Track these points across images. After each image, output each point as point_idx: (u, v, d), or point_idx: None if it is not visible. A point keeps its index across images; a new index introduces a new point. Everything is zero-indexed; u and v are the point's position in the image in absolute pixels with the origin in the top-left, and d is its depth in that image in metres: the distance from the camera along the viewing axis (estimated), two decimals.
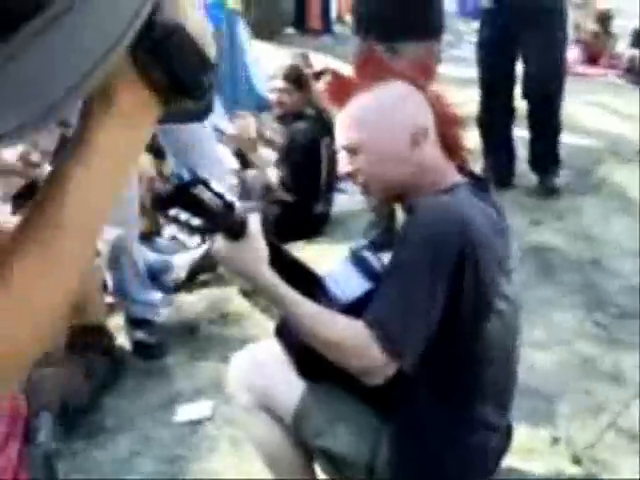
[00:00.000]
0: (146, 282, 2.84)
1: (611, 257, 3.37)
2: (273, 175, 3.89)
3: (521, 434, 2.19)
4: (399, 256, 1.43)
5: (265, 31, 7.49)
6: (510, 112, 3.94)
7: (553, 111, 3.83)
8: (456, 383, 1.52)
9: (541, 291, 3.09)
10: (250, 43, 6.09)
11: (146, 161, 3.61)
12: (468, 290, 1.40)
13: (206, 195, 1.26)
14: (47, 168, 3.30)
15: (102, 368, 2.54)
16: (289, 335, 1.55)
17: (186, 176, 1.25)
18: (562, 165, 4.08)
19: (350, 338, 1.38)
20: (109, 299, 2.87)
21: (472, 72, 6.37)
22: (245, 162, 4.27)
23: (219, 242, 1.38)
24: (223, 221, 1.31)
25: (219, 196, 1.28)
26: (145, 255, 3.01)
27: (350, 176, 1.58)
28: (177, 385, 2.60)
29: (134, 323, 2.82)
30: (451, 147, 1.58)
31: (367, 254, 1.63)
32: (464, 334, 1.45)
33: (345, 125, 1.56)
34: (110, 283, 2.81)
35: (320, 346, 1.41)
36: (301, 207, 3.76)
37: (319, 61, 5.63)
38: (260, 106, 5.53)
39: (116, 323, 2.88)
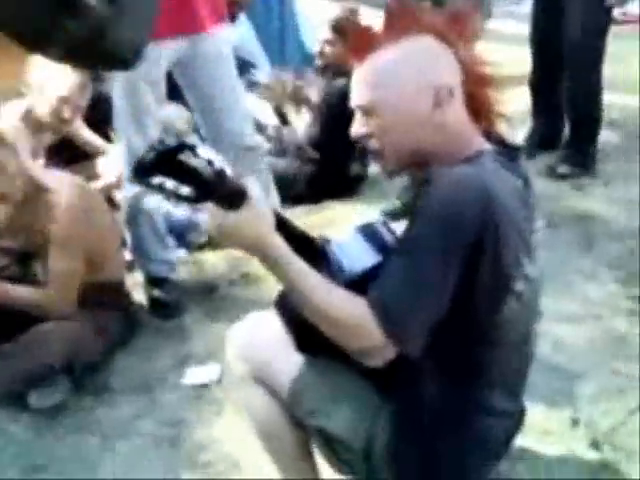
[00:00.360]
0: (165, 240, 2.79)
1: None
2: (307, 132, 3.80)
3: (539, 413, 2.10)
4: (411, 232, 1.30)
5: None
6: (559, 71, 3.68)
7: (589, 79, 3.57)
8: (464, 366, 1.41)
9: (578, 262, 2.93)
10: None
11: (178, 117, 3.54)
12: (486, 270, 1.28)
13: (194, 161, 1.17)
14: (79, 123, 3.27)
15: (115, 326, 2.52)
16: (288, 307, 1.46)
17: (171, 140, 1.16)
18: (614, 127, 3.84)
19: (351, 316, 1.28)
20: (128, 256, 2.84)
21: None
22: (284, 119, 4.18)
23: (214, 213, 1.27)
24: (215, 189, 1.21)
25: (208, 162, 1.19)
26: (170, 212, 2.96)
27: (363, 140, 1.44)
28: (189, 346, 2.56)
29: (152, 281, 2.79)
30: (479, 110, 1.43)
31: (379, 225, 1.54)
32: (478, 315, 1.34)
33: (361, 82, 1.42)
34: (129, 240, 2.78)
35: (319, 322, 1.32)
36: (335, 166, 3.65)
37: (374, 16, 5.44)
38: (308, 63, 5.41)
39: (135, 280, 2.85)
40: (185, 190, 1.17)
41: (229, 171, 1.22)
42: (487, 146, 1.40)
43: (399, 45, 1.39)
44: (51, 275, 2.31)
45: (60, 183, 2.34)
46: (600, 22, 3.40)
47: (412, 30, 1.40)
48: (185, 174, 1.16)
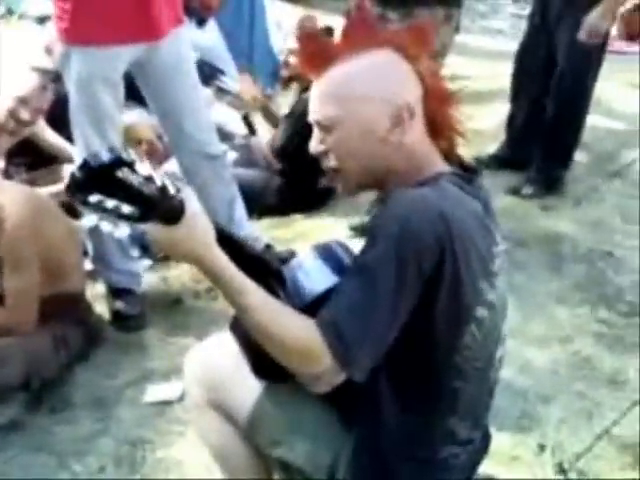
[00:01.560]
0: (128, 250, 2.70)
1: (626, 250, 3.18)
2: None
3: (505, 439, 2.09)
4: (365, 254, 1.25)
5: None
6: (542, 95, 3.65)
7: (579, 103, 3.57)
8: (427, 393, 1.36)
9: (546, 283, 2.93)
10: (271, 5, 5.90)
11: (145, 124, 3.48)
12: (445, 296, 1.23)
13: (134, 178, 1.10)
14: (40, 125, 3.19)
15: (75, 339, 2.43)
16: (245, 331, 1.36)
17: (105, 155, 1.09)
18: (583, 147, 3.87)
19: (300, 339, 1.22)
20: (89, 265, 2.76)
21: (507, 44, 6.18)
22: (252, 128, 4.13)
23: (152, 227, 1.20)
24: (159, 206, 1.15)
25: (148, 179, 1.12)
26: (125, 229, 2.87)
27: (320, 157, 1.39)
28: (151, 362, 2.49)
29: (114, 293, 2.71)
30: (439, 129, 1.38)
31: (335, 245, 1.49)
32: (438, 342, 1.29)
33: (320, 98, 1.36)
34: (90, 250, 2.70)
35: (268, 344, 1.26)
36: (303, 179, 3.61)
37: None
38: (276, 71, 5.38)
39: (96, 291, 2.77)
40: (127, 209, 1.11)
41: (171, 187, 1.16)
42: (446, 168, 1.36)
43: (358, 59, 1.34)
44: (7, 295, 2.23)
45: (8, 195, 2.25)
46: (591, 54, 3.38)
47: (372, 43, 1.36)
48: (125, 191, 1.10)
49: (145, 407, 2.28)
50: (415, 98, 1.34)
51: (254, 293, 1.25)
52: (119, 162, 1.09)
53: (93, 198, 1.09)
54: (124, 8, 2.38)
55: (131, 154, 1.11)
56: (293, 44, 3.65)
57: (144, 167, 1.11)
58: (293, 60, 3.64)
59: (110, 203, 1.10)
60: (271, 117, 4.05)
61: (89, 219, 1.13)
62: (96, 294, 2.75)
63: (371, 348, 1.22)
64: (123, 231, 1.16)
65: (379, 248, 1.22)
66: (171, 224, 1.20)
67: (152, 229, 1.20)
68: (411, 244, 1.19)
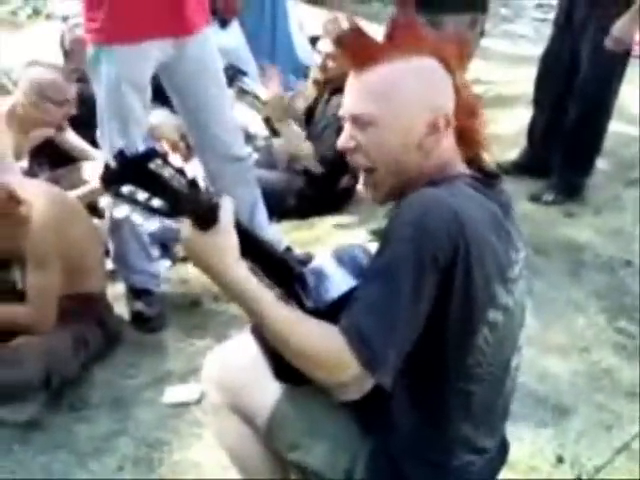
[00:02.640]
0: (148, 251, 2.73)
1: None
2: (302, 146, 3.74)
3: (524, 449, 2.08)
4: (381, 256, 1.25)
5: None
6: (565, 98, 3.62)
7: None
8: (437, 396, 1.36)
9: (565, 291, 2.91)
10: (293, 7, 5.90)
11: (169, 125, 3.49)
12: (457, 296, 1.23)
13: (166, 171, 1.11)
14: (64, 126, 3.21)
15: (95, 339, 2.44)
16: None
17: (141, 148, 1.10)
18: (605, 155, 3.83)
19: (325, 349, 1.21)
20: (110, 265, 2.77)
21: (530, 49, 6.14)
22: (274, 129, 4.13)
23: (187, 229, 1.22)
24: (189, 203, 1.15)
25: (180, 172, 1.13)
26: (155, 222, 2.90)
27: (349, 153, 1.39)
28: (170, 363, 2.50)
29: (134, 293, 2.73)
30: (466, 139, 1.39)
31: (356, 249, 1.49)
32: (448, 342, 1.28)
33: (360, 91, 1.35)
34: (111, 250, 2.72)
35: (292, 356, 1.25)
36: (326, 182, 3.61)
37: (366, 28, 5.41)
38: (299, 72, 5.38)
39: (117, 291, 2.79)
40: (157, 202, 1.12)
41: (201, 184, 1.17)
42: (465, 170, 1.37)
43: (406, 61, 1.34)
44: (29, 293, 2.25)
45: (34, 194, 2.27)
46: (615, 59, 3.35)
47: (419, 49, 1.36)
48: (156, 184, 1.10)
49: (163, 408, 2.29)
50: (450, 108, 1.35)
51: (276, 306, 1.25)
52: (153, 154, 1.09)
53: (125, 189, 1.09)
54: (155, 5, 2.39)
55: (165, 147, 1.12)
56: (328, 48, 3.62)
57: (177, 160, 1.12)
58: (330, 64, 3.61)
59: (141, 195, 1.10)
60: (297, 116, 4.03)
61: (121, 210, 1.13)
62: (116, 294, 2.76)
63: (396, 350, 1.21)
64: (153, 224, 1.17)
65: (395, 249, 1.22)
66: (204, 228, 1.21)
67: (185, 229, 1.21)
68: (426, 243, 1.19)
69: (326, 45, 3.70)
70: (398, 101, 1.32)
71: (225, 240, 1.23)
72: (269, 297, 1.25)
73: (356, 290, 1.27)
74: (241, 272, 1.24)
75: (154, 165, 1.09)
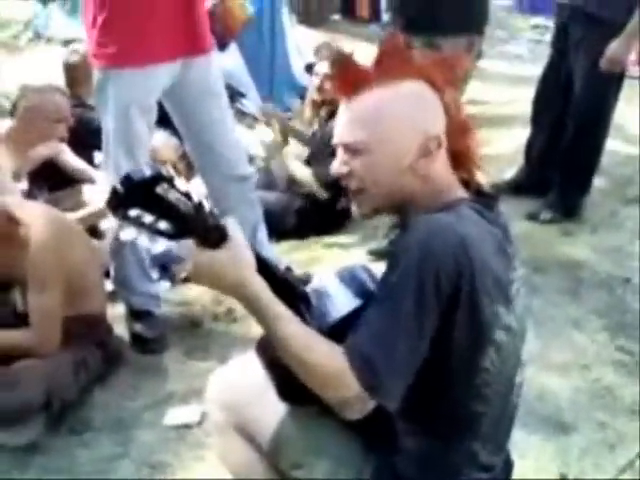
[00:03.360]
0: (149, 273, 2.74)
1: None
2: (299, 168, 3.77)
3: (527, 468, 2.06)
4: (388, 280, 1.27)
5: (312, 17, 7.34)
6: (562, 118, 3.64)
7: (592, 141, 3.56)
8: (448, 418, 1.37)
9: (564, 309, 2.91)
10: (292, 29, 5.96)
11: (168, 146, 3.51)
12: (463, 320, 1.25)
13: (172, 195, 1.12)
14: (62, 148, 3.23)
15: (95, 361, 2.44)
16: (270, 352, 1.40)
17: (146, 170, 1.11)
18: (602, 173, 3.86)
19: (330, 367, 1.23)
20: (110, 286, 2.77)
21: (526, 70, 6.19)
22: (271, 151, 4.15)
23: (193, 250, 1.23)
24: (194, 224, 1.17)
25: (186, 195, 1.14)
26: (147, 248, 2.90)
27: (343, 178, 1.41)
28: (170, 385, 2.49)
29: (134, 315, 2.73)
30: (460, 159, 1.41)
31: (359, 269, 1.50)
32: (456, 366, 1.30)
33: (349, 120, 1.38)
34: (112, 272, 2.72)
35: (298, 370, 1.27)
36: (325, 202, 3.63)
37: (366, 50, 5.46)
38: (296, 93, 5.42)
39: (117, 312, 2.78)
40: (163, 225, 1.14)
41: (207, 206, 1.19)
42: (465, 194, 1.38)
43: (392, 87, 1.36)
44: (32, 316, 2.25)
45: (33, 216, 2.28)
46: (611, 78, 3.37)
47: (405, 73, 1.38)
48: (162, 207, 1.12)
49: (165, 430, 2.28)
50: (441, 130, 1.37)
51: (290, 321, 1.26)
52: (159, 177, 1.11)
53: (132, 212, 1.11)
54: (165, 27, 2.42)
55: (170, 171, 1.13)
56: (325, 69, 3.66)
57: (183, 184, 1.13)
58: (327, 85, 3.65)
59: (148, 218, 1.12)
60: (299, 135, 4.05)
61: (128, 233, 1.15)
62: (116, 315, 2.75)
63: (398, 374, 1.23)
64: (160, 247, 1.18)
65: (399, 275, 1.24)
66: (211, 247, 1.22)
67: (191, 250, 1.22)
68: (430, 268, 1.21)
69: (323, 66, 3.74)
70: (386, 126, 1.34)
71: (240, 254, 1.25)
72: (285, 311, 1.27)
73: (363, 313, 1.29)
74: (260, 285, 1.26)
75: (161, 189, 1.11)
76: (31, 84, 3.05)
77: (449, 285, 1.22)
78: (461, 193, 1.38)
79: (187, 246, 1.22)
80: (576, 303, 2.96)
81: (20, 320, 2.30)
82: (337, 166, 1.40)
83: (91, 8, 2.42)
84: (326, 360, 1.23)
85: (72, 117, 3.07)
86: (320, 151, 3.64)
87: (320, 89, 3.76)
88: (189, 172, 3.50)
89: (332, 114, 3.54)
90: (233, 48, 4.96)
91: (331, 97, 3.61)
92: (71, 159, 3.27)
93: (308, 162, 3.77)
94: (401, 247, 1.27)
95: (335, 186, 3.43)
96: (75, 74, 3.58)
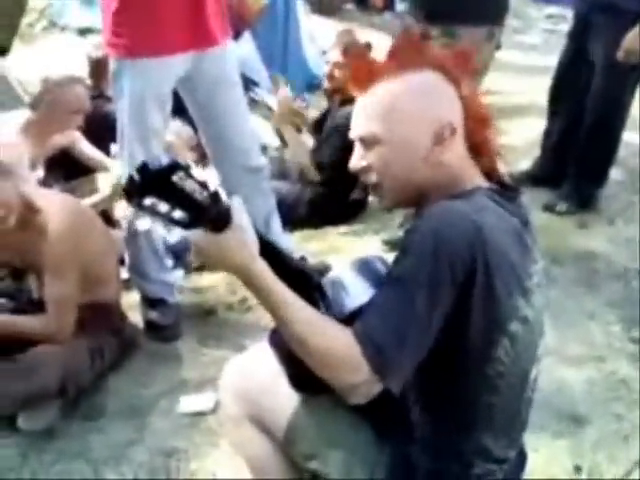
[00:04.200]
0: (163, 261, 2.74)
1: None
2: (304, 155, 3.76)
3: (541, 458, 2.06)
4: (399, 265, 1.27)
5: (325, 7, 7.31)
6: (579, 109, 3.60)
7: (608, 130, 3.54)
8: (458, 408, 1.37)
9: (580, 301, 2.90)
10: (306, 18, 5.94)
11: (183, 136, 3.51)
12: (478, 308, 1.25)
13: (188, 184, 1.12)
14: (77, 137, 3.24)
15: (109, 349, 2.45)
16: (282, 342, 1.38)
17: (163, 159, 1.11)
18: (619, 165, 3.83)
19: (338, 350, 1.23)
20: (125, 274, 2.78)
21: (541, 60, 6.15)
22: (284, 140, 4.14)
23: (199, 234, 1.23)
24: (209, 213, 1.17)
25: (202, 185, 1.14)
26: (169, 232, 2.91)
27: (362, 173, 1.41)
28: (184, 372, 2.50)
29: (148, 303, 2.73)
30: (479, 149, 1.41)
31: (374, 259, 1.50)
32: (468, 354, 1.30)
33: (365, 114, 1.39)
34: (127, 260, 2.73)
35: (306, 354, 1.27)
36: (338, 192, 3.62)
37: (379, 40, 5.45)
38: (311, 82, 5.41)
39: (131, 300, 2.79)
40: (178, 214, 1.13)
41: (223, 194, 1.18)
42: (483, 183, 1.37)
43: (404, 78, 1.36)
44: (48, 303, 2.26)
45: (51, 204, 2.28)
46: (628, 70, 3.35)
47: (417, 64, 1.38)
48: (178, 196, 1.12)
49: (179, 417, 2.29)
50: (456, 118, 1.37)
51: (295, 305, 1.26)
52: (176, 167, 1.11)
53: (148, 201, 1.11)
54: (177, 18, 2.42)
55: (187, 160, 1.13)
56: (336, 57, 3.64)
57: (199, 173, 1.13)
58: (337, 73, 3.63)
59: (163, 207, 1.12)
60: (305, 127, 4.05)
61: (143, 222, 1.15)
62: (130, 303, 2.77)
63: (407, 358, 1.23)
64: (176, 235, 1.19)
65: (412, 260, 1.24)
66: (218, 232, 1.22)
67: (199, 236, 1.22)
68: (444, 255, 1.21)
69: (333, 54, 3.72)
70: (399, 118, 1.35)
71: (244, 236, 1.25)
72: (289, 294, 1.27)
73: (372, 297, 1.29)
74: (259, 267, 1.26)
75: (177, 178, 1.11)
76: (53, 76, 3.04)
77: (463, 273, 1.21)
78: (479, 182, 1.38)
79: (193, 232, 1.22)
80: (591, 295, 2.95)
81: (35, 307, 2.31)
82: (354, 161, 1.41)
83: None
84: (334, 344, 1.23)
85: (91, 108, 3.09)
86: (324, 138, 3.63)
87: (330, 77, 3.74)
88: (203, 162, 3.50)
89: (344, 102, 3.53)
90: (247, 37, 4.95)
91: (341, 85, 3.61)
92: (86, 148, 3.27)
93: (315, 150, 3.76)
94: (414, 234, 1.26)
95: (337, 174, 3.43)
96: (98, 68, 3.60)
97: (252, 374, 1.56)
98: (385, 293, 1.26)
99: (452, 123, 1.35)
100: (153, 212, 1.13)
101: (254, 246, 1.27)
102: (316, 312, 1.28)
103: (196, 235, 1.22)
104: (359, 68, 1.40)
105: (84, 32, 5.69)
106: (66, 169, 3.24)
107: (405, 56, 1.40)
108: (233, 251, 1.24)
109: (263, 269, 1.26)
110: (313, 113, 4.28)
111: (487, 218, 1.26)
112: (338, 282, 1.44)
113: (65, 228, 2.24)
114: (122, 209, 2.91)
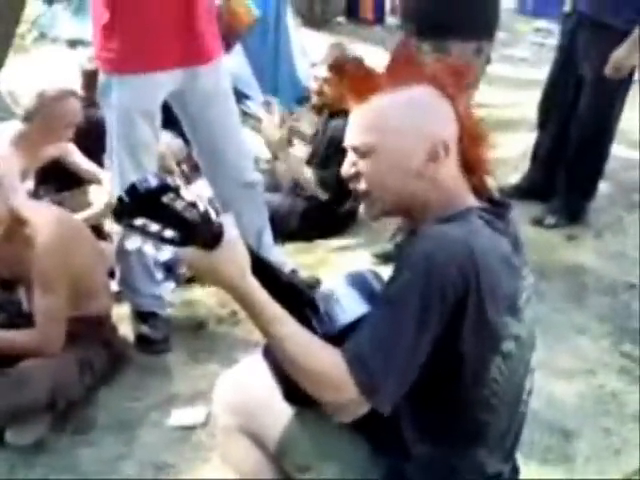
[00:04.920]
0: (154, 274, 2.74)
1: None
2: (303, 170, 3.77)
3: (532, 473, 2.05)
4: (392, 287, 1.28)
5: (316, 19, 7.35)
6: (568, 123, 3.63)
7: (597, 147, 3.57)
8: (456, 427, 1.38)
9: (568, 314, 2.91)
10: (296, 31, 5.96)
11: (172, 148, 3.51)
12: (470, 331, 1.25)
13: (178, 204, 1.12)
14: (69, 148, 3.23)
15: (100, 362, 2.44)
16: (276, 357, 1.40)
17: (152, 180, 1.11)
18: (607, 178, 3.86)
19: (325, 369, 1.24)
20: (115, 287, 2.77)
21: (529, 73, 6.19)
22: (275, 153, 4.15)
23: (190, 252, 1.22)
24: (200, 231, 1.18)
25: (192, 205, 1.14)
26: (153, 255, 2.89)
27: (352, 180, 1.42)
28: (175, 386, 2.49)
29: (139, 316, 2.73)
30: (471, 167, 1.41)
31: (367, 273, 1.51)
32: (462, 375, 1.30)
33: (358, 124, 1.39)
34: (117, 273, 2.72)
35: (293, 370, 1.28)
36: (329, 205, 3.63)
37: (369, 53, 5.47)
38: (300, 96, 5.42)
39: (122, 312, 2.78)
40: (169, 233, 1.13)
41: (213, 212, 1.19)
42: (475, 203, 1.38)
43: (401, 92, 1.37)
44: (37, 316, 2.25)
45: (40, 217, 2.27)
46: (618, 84, 3.37)
47: (415, 78, 1.39)
48: (168, 216, 1.12)
49: (169, 431, 2.28)
50: (451, 136, 1.37)
51: (285, 322, 1.27)
52: (165, 187, 1.11)
53: (138, 222, 1.11)
54: (167, 35, 2.42)
55: (176, 180, 1.13)
56: (324, 73, 3.66)
57: (189, 193, 1.13)
58: (326, 89, 3.65)
59: (154, 227, 1.12)
60: (301, 136, 4.05)
61: (133, 241, 1.15)
62: (121, 315, 2.76)
63: (395, 380, 1.24)
64: (166, 254, 1.19)
65: (404, 282, 1.24)
66: (209, 249, 1.22)
67: (190, 253, 1.22)
68: (436, 279, 1.21)
69: (321, 70, 3.74)
70: (394, 130, 1.35)
71: (235, 252, 1.25)
72: (280, 312, 1.27)
73: (364, 318, 1.30)
74: (249, 284, 1.26)
75: (167, 198, 1.11)
76: (48, 89, 3.03)
77: (455, 297, 1.22)
78: (471, 201, 1.38)
79: (184, 250, 1.22)
80: (580, 308, 2.97)
81: (26, 319, 2.30)
82: (346, 168, 1.42)
83: (98, 11, 2.43)
84: (322, 363, 1.24)
85: (85, 117, 3.09)
86: (321, 152, 3.64)
87: (319, 93, 3.75)
88: (194, 173, 3.50)
89: (333, 115, 3.54)
90: (237, 49, 4.95)
91: (330, 100, 3.63)
92: (78, 159, 3.27)
93: (309, 163, 3.77)
94: (408, 256, 1.27)
95: (337, 188, 3.45)
96: (91, 79, 3.59)
97: (246, 386, 1.56)
98: (375, 314, 1.27)
99: (446, 141, 1.35)
100: (144, 232, 1.13)
101: (245, 262, 1.27)
102: (306, 331, 1.29)
103: (187, 253, 1.22)
104: (357, 79, 1.40)
105: (74, 44, 5.69)
106: (58, 180, 3.23)
107: (403, 70, 1.41)
108: (224, 267, 1.24)
109: (254, 286, 1.26)
110: (304, 126, 4.28)
111: (479, 242, 1.27)
112: (331, 296, 1.44)
113: (53, 241, 2.23)
114: (113, 222, 2.91)
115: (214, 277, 1.26)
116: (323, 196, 3.60)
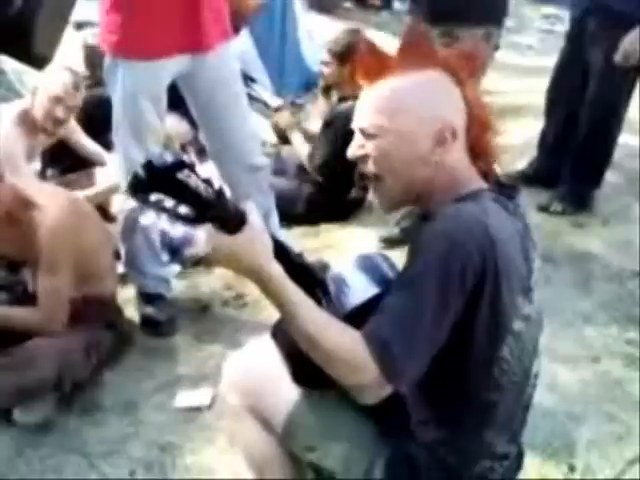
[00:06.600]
0: (160, 256, 2.74)
1: None
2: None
3: (535, 458, 2.07)
4: (411, 268, 1.28)
5: (323, 4, 7.30)
6: (576, 110, 3.60)
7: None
8: (461, 405, 1.38)
9: (574, 301, 2.91)
10: (303, 15, 5.93)
11: (179, 130, 3.50)
12: (485, 311, 1.26)
13: (192, 181, 1.13)
14: (75, 130, 3.23)
15: (106, 343, 2.45)
16: (285, 337, 1.41)
17: (168, 157, 1.11)
18: (614, 166, 3.84)
19: (347, 350, 1.24)
20: (121, 269, 2.78)
21: (537, 60, 6.15)
22: (284, 137, 4.14)
23: (211, 234, 1.24)
24: (215, 210, 1.19)
25: (206, 182, 1.16)
26: (166, 230, 2.90)
27: (359, 161, 1.42)
28: (181, 368, 2.50)
29: (144, 298, 2.73)
30: (479, 153, 1.41)
31: (377, 257, 1.52)
32: (474, 354, 1.31)
33: (368, 105, 1.39)
34: (122, 253, 2.72)
35: (314, 354, 1.27)
36: (335, 190, 3.62)
37: (376, 38, 5.43)
38: (307, 80, 5.40)
39: (127, 294, 2.79)
40: (184, 209, 1.15)
41: (227, 192, 1.20)
42: (484, 185, 1.38)
43: (412, 75, 1.37)
44: (40, 295, 2.26)
45: (47, 198, 2.27)
46: (626, 72, 3.35)
47: (426, 63, 1.38)
48: (183, 193, 1.13)
49: (174, 412, 2.29)
50: (459, 121, 1.37)
51: (306, 306, 1.27)
52: (181, 164, 1.12)
53: (153, 197, 1.12)
54: (172, 21, 2.40)
55: (191, 157, 1.14)
56: (325, 55, 3.65)
57: (204, 170, 1.14)
58: (326, 71, 3.65)
59: (169, 203, 1.13)
60: (304, 132, 4.05)
61: (148, 217, 1.16)
62: (126, 298, 2.76)
63: (416, 360, 1.24)
64: (179, 230, 1.20)
65: (425, 263, 1.24)
66: (230, 232, 1.23)
67: (210, 234, 1.24)
68: (456, 259, 1.22)
69: (324, 54, 3.74)
70: (403, 113, 1.35)
71: (258, 239, 1.26)
72: (302, 296, 1.28)
73: (384, 299, 1.29)
74: (274, 269, 1.27)
75: (182, 175, 1.12)
76: (51, 71, 3.03)
77: (474, 277, 1.23)
78: (480, 184, 1.38)
79: (206, 230, 1.23)
80: (586, 296, 2.97)
81: (31, 300, 2.31)
82: (353, 149, 1.42)
83: None
84: (345, 345, 1.24)
85: (90, 97, 3.08)
86: (325, 136, 3.63)
87: (321, 75, 3.76)
88: (200, 156, 3.49)
89: (342, 99, 3.53)
90: (244, 34, 4.93)
91: (332, 82, 3.63)
92: (84, 141, 3.26)
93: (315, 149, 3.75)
94: (426, 237, 1.27)
95: (334, 173, 3.43)
96: (94, 56, 3.58)
97: (254, 367, 1.57)
98: (395, 295, 1.27)
99: (454, 126, 1.35)
100: (159, 207, 1.14)
101: (270, 248, 1.28)
102: (326, 313, 1.29)
103: (208, 232, 1.24)
104: (369, 61, 1.40)
105: (81, 26, 5.65)
106: (64, 162, 3.23)
107: (415, 54, 1.40)
108: (247, 252, 1.25)
109: (278, 271, 1.27)
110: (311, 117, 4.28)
111: (495, 222, 1.27)
112: (340, 279, 1.45)
113: (60, 223, 2.23)
114: (119, 204, 2.90)
115: (237, 262, 1.26)
116: (316, 178, 3.59)
